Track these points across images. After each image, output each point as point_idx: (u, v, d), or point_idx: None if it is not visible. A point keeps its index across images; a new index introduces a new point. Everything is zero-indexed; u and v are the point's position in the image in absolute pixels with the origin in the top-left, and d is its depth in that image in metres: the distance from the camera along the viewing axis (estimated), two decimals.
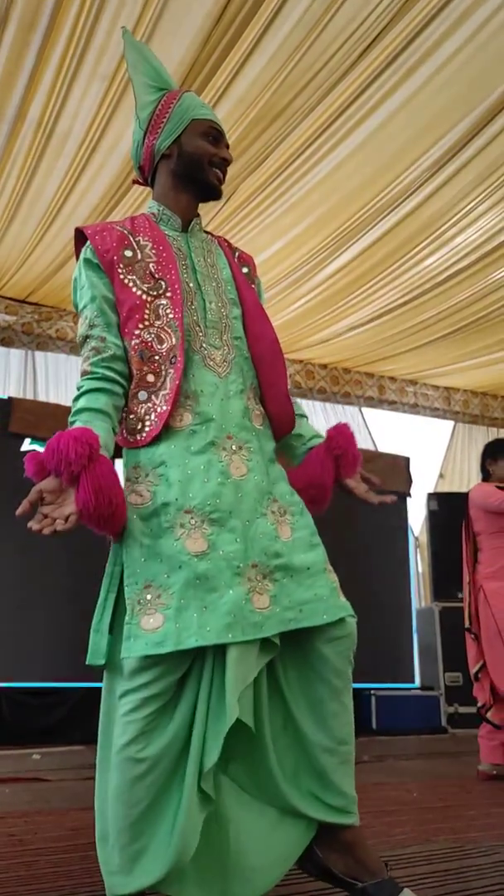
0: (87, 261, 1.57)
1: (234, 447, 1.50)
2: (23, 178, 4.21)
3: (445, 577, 5.95)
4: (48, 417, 5.41)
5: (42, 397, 5.78)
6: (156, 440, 1.48)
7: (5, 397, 5.38)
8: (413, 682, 6.09)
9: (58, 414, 5.46)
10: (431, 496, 6.54)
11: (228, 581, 1.40)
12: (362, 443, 6.91)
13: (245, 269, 1.69)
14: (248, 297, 1.63)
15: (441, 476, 7.36)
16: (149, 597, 1.39)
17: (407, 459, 6.45)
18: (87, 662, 1.47)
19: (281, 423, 1.62)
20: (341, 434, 1.64)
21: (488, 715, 3.50)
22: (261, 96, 3.67)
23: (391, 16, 3.26)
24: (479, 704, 3.56)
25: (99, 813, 1.43)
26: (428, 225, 4.71)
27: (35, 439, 5.38)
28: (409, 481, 6.46)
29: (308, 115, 3.84)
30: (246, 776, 1.51)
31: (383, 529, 6.03)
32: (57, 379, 5.89)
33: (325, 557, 1.52)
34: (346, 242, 4.91)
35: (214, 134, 1.62)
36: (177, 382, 1.46)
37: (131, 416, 1.50)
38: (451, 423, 7.55)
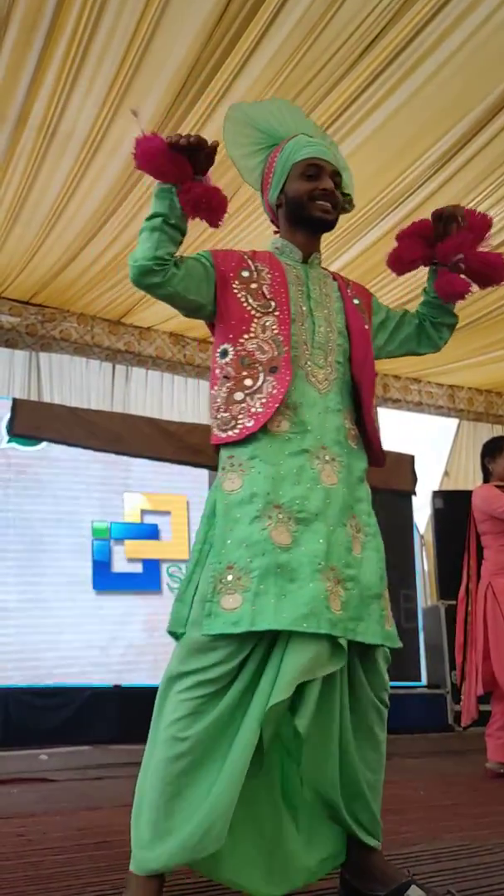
0: (199, 258, 1.73)
1: (327, 458, 1.62)
2: (26, 180, 4.21)
3: (451, 576, 5.92)
4: (52, 419, 5.41)
5: (46, 398, 5.78)
6: (251, 438, 1.60)
7: (9, 399, 5.38)
8: (419, 680, 6.08)
9: (62, 415, 5.47)
10: (437, 494, 6.52)
11: (309, 575, 1.49)
12: None
13: (356, 301, 1.81)
14: (355, 327, 1.76)
15: (446, 474, 7.34)
16: (230, 577, 1.50)
17: (412, 458, 6.44)
18: (168, 630, 1.60)
19: (374, 441, 1.74)
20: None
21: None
22: (262, 96, 3.66)
23: (392, 14, 3.25)
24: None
25: (138, 787, 1.51)
26: None
27: (35, 440, 5.39)
28: (414, 479, 6.44)
29: (310, 115, 3.83)
30: (307, 782, 1.60)
31: (388, 528, 5.95)
32: (61, 380, 5.89)
33: (385, 584, 1.64)
34: (350, 240, 4.90)
35: (312, 170, 1.75)
36: (283, 393, 1.60)
37: (225, 414, 1.63)
38: (456, 420, 7.53)
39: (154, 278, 1.60)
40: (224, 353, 1.67)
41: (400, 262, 1.89)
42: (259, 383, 1.62)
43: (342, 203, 1.81)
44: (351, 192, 1.86)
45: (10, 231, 4.70)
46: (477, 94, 3.76)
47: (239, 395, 1.62)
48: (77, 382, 5.95)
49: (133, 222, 4.62)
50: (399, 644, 1.64)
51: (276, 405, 1.59)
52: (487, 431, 7.52)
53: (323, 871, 1.61)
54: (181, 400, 6.36)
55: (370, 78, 3.62)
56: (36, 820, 2.56)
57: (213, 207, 1.61)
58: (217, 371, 1.68)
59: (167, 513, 5.73)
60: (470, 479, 7.31)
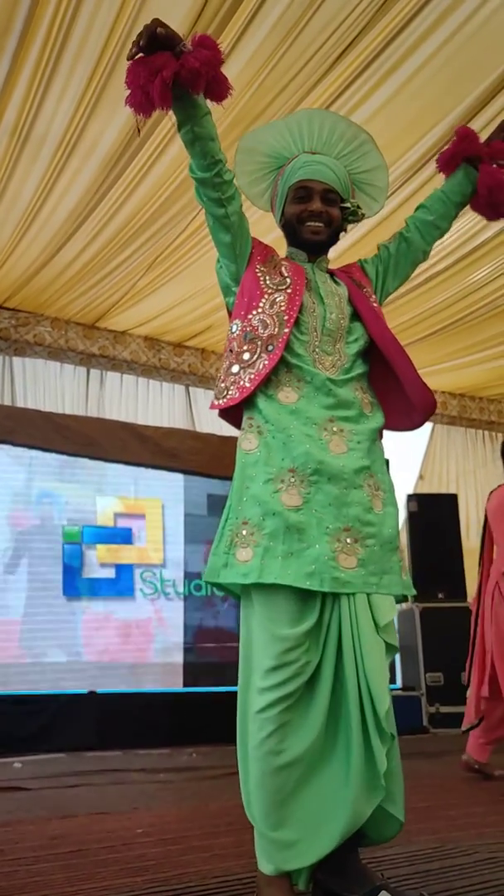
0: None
1: (335, 429, 1.69)
2: None
3: (425, 579, 5.96)
4: (26, 423, 5.37)
5: (20, 403, 5.73)
6: (265, 406, 1.69)
7: None
8: (394, 682, 6.11)
9: (36, 419, 5.42)
10: (411, 497, 6.55)
11: (317, 536, 1.59)
12: None
13: (353, 279, 1.88)
14: (363, 307, 1.83)
15: (420, 477, 7.39)
16: (244, 532, 1.61)
17: (386, 461, 6.45)
18: (203, 579, 1.71)
19: (423, 402, 1.78)
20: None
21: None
22: (239, 99, 3.66)
23: (369, 17, 3.27)
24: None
25: (244, 795, 1.60)
26: None
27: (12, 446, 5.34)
28: None
29: (287, 116, 3.84)
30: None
31: None
32: (35, 384, 5.85)
33: (399, 538, 1.74)
34: None
35: (302, 192, 1.83)
36: (268, 371, 1.68)
37: (221, 385, 1.74)
38: (430, 424, 7.59)
39: (215, 192, 1.72)
40: (233, 329, 1.77)
41: (452, 159, 2.00)
42: (254, 358, 1.70)
43: (344, 216, 1.87)
44: (355, 203, 1.90)
45: None
46: (452, 99, 3.80)
47: (235, 368, 1.72)
48: (51, 387, 5.91)
49: (108, 225, 4.60)
50: (414, 591, 1.72)
51: (259, 381, 1.67)
52: (461, 435, 7.59)
53: None
54: (156, 404, 6.34)
55: (348, 80, 3.64)
56: (9, 829, 2.52)
57: (207, 84, 1.67)
58: (226, 344, 1.79)
59: (141, 516, 5.69)
60: (444, 482, 7.37)
